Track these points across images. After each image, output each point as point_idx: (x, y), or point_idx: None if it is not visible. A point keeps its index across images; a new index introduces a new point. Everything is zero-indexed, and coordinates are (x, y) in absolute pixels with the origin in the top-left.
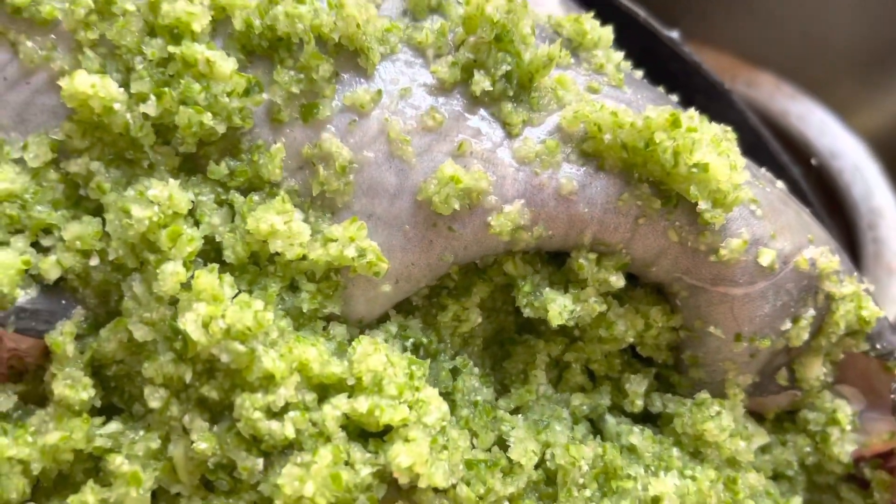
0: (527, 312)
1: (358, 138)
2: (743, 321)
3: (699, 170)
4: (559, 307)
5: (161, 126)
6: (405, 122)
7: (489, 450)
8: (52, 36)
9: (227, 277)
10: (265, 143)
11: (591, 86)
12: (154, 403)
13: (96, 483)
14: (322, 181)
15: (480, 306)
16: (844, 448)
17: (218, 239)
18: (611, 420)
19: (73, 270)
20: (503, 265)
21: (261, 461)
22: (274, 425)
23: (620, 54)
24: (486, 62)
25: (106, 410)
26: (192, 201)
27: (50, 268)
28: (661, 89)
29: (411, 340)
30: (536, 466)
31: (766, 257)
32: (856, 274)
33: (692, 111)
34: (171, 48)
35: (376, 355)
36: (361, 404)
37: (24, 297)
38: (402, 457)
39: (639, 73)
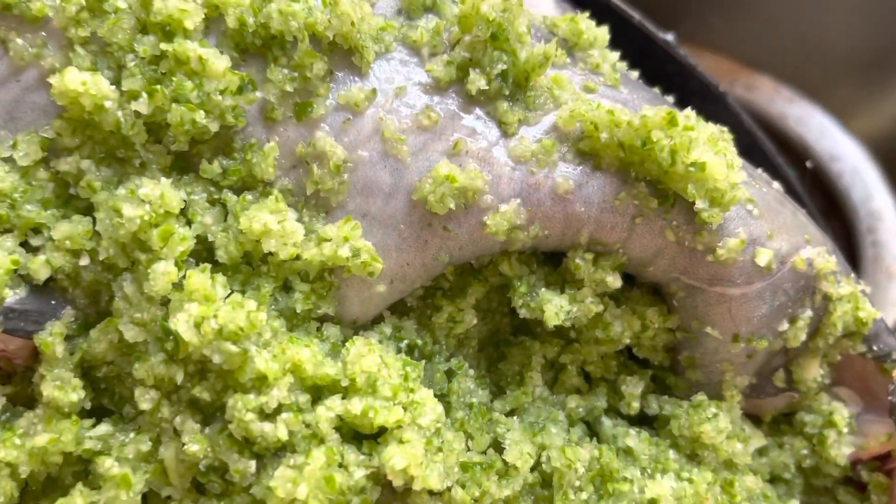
0: (523, 313)
1: (352, 137)
2: (740, 322)
3: (696, 168)
4: (555, 308)
5: (153, 124)
6: (400, 120)
7: (484, 452)
8: (43, 33)
9: (220, 277)
10: (258, 142)
11: (587, 85)
12: (145, 405)
13: (86, 486)
14: (316, 180)
15: (476, 307)
16: (841, 450)
17: (210, 238)
18: (607, 422)
19: (62, 270)
20: (499, 265)
21: (253, 463)
22: (267, 427)
23: (616, 54)
24: (482, 61)
25: (96, 412)
26: (185, 200)
27: (39, 267)
28: (656, 90)
29: (406, 342)
30: (532, 469)
31: (764, 257)
32: (853, 275)
33: (689, 110)
34: (163, 46)
35: (370, 356)
36: (355, 406)
37: (12, 297)
38: (397, 458)
39: (634, 74)
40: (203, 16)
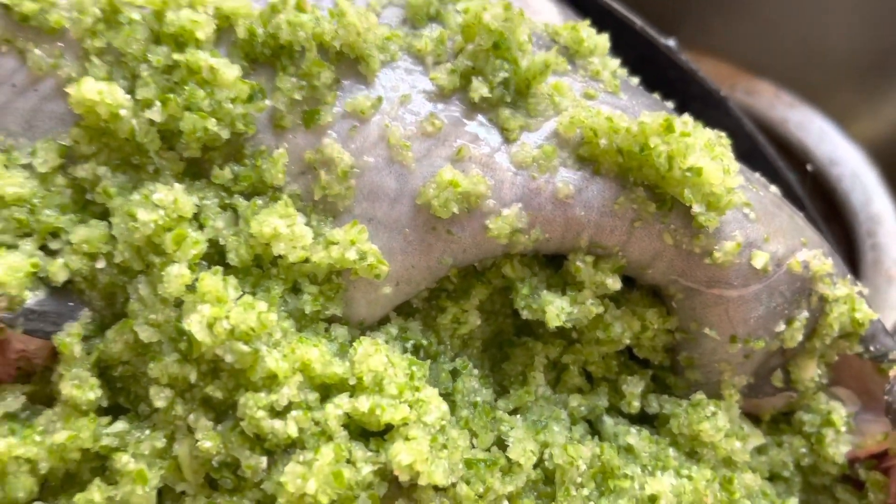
0: (525, 314)
1: (359, 144)
2: (737, 323)
3: (693, 174)
4: (557, 309)
5: (166, 132)
6: (405, 127)
7: (488, 449)
8: (60, 44)
9: (231, 280)
10: (268, 149)
11: (587, 92)
12: (159, 403)
13: (103, 481)
14: (324, 185)
15: (479, 309)
16: (839, 449)
17: (222, 242)
18: (608, 421)
19: (80, 273)
20: (501, 268)
21: (264, 459)
22: (277, 424)
23: (616, 61)
24: (485, 69)
25: (111, 410)
26: (197, 205)
27: (58, 270)
28: (656, 96)
29: (411, 342)
30: (535, 466)
31: (760, 260)
32: (849, 277)
33: (686, 116)
34: (175, 56)
35: (377, 356)
36: (363, 404)
37: (32, 299)
38: (403, 455)
39: (635, 80)
40: (214, 26)
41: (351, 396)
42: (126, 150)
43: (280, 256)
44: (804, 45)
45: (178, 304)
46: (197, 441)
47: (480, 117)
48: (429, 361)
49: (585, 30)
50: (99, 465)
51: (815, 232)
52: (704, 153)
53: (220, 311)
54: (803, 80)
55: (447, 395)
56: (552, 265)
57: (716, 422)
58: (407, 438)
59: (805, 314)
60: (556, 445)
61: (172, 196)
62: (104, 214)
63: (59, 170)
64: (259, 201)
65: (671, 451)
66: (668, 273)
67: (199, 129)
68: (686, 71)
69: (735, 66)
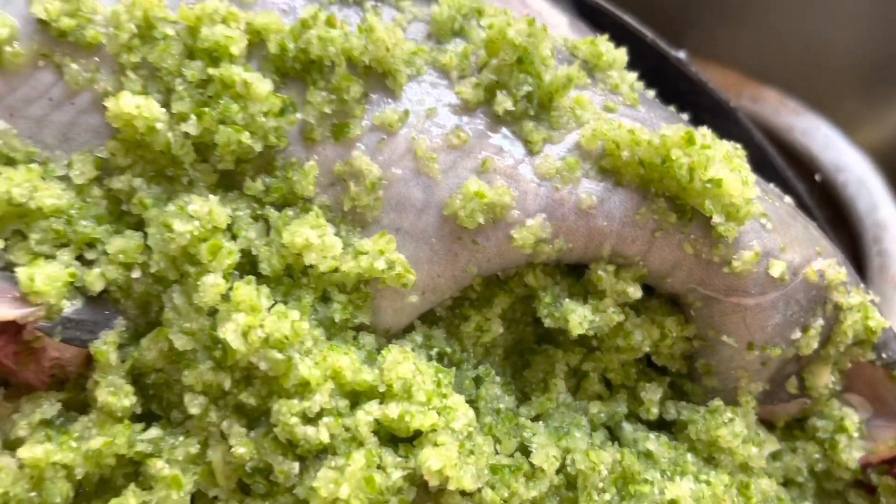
0: (547, 323)
1: (386, 156)
2: (755, 330)
3: (713, 185)
4: (580, 317)
5: (200, 144)
6: (431, 140)
7: (512, 455)
8: (96, 59)
9: (264, 289)
10: (299, 161)
11: (607, 105)
12: (194, 410)
13: (137, 487)
14: (353, 197)
15: (502, 317)
16: (852, 454)
17: (254, 252)
18: (627, 427)
19: (115, 282)
20: (524, 277)
21: (296, 465)
22: (309, 430)
23: (634, 75)
24: (509, 83)
25: (144, 417)
26: (230, 216)
27: (94, 280)
28: (672, 108)
29: (435, 350)
30: (557, 471)
31: (777, 269)
32: (862, 285)
33: (705, 129)
34: (210, 70)
35: (405, 363)
36: (392, 410)
37: (69, 307)
38: (433, 460)
39: (651, 93)
40: (246, 42)
41: (381, 403)
42: (161, 162)
43: (311, 266)
44: (809, 52)
45: (213, 312)
46: (230, 447)
47: (504, 130)
48: (453, 369)
49: (604, 44)
50: (132, 470)
51: (829, 242)
52: (724, 165)
53: (255, 319)
54: (808, 88)
55: (471, 402)
56: (573, 274)
57: (733, 428)
58: (436, 444)
59: (820, 322)
60: (578, 451)
61: (207, 207)
62: (139, 225)
63: (95, 181)
64: (290, 212)
65: (689, 457)
66: (687, 282)
67: (233, 142)
68: (696, 83)
69: (741, 73)
